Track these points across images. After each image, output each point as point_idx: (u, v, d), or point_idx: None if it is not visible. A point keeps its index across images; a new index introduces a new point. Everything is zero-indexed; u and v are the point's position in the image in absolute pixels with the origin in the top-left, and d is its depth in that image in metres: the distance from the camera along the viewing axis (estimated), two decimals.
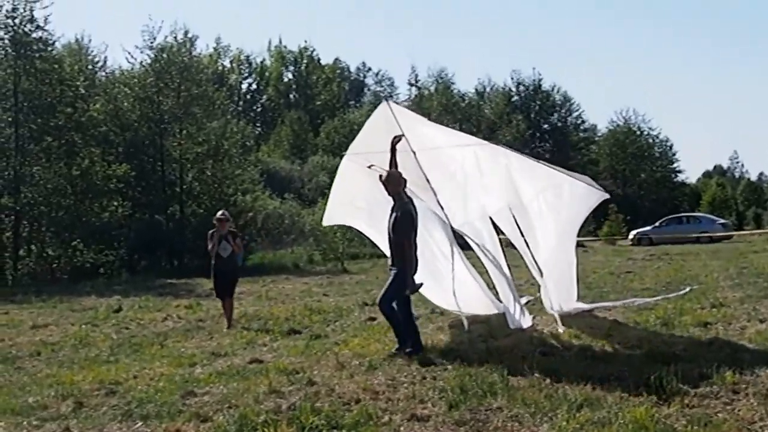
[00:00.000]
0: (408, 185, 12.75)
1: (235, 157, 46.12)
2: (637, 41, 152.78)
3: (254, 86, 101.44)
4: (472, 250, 14.92)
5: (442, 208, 12.91)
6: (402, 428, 8.52)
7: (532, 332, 13.91)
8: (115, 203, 41.85)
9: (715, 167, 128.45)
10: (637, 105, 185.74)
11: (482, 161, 14.38)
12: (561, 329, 13.66)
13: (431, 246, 14.70)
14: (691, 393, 9.17)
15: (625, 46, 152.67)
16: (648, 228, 57.66)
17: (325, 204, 17.31)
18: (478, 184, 14.50)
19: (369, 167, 13.72)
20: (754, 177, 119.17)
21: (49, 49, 42.51)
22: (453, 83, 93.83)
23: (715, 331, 13.42)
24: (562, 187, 14.08)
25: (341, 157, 15.54)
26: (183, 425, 8.85)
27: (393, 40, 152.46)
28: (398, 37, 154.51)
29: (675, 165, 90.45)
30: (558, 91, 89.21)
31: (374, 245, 17.18)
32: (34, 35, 40.63)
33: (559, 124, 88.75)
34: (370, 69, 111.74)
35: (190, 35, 51.01)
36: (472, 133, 74.70)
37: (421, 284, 12.49)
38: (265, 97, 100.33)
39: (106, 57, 77.60)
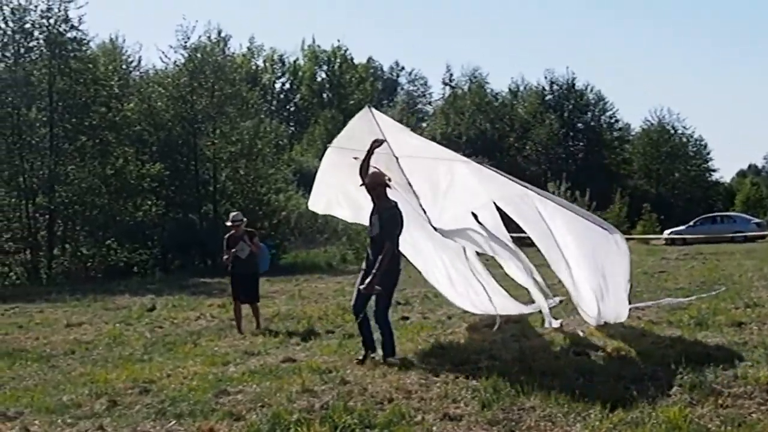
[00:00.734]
0: (393, 187, 12.56)
1: (269, 156, 46.21)
2: (672, 40, 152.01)
3: (287, 85, 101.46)
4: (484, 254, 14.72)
5: (424, 211, 12.60)
6: (434, 427, 8.51)
7: (566, 332, 13.88)
8: (149, 202, 42.13)
9: (749, 166, 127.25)
10: (671, 104, 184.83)
11: (469, 177, 14.20)
12: (581, 332, 13.55)
13: (448, 252, 14.66)
14: (724, 393, 9.10)
15: (660, 45, 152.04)
16: (682, 227, 57.32)
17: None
18: (465, 195, 14.27)
19: (354, 159, 13.42)
20: None
21: (84, 48, 42.76)
22: (487, 82, 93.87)
23: (750, 331, 13.30)
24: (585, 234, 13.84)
25: (326, 148, 15.14)
26: (216, 424, 8.87)
27: (426, 40, 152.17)
28: (432, 36, 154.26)
29: (709, 164, 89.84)
30: (591, 90, 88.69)
31: None
32: (68, 35, 40.90)
33: (593, 123, 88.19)
34: (403, 68, 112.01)
35: (223, 35, 51.43)
36: (505, 133, 74.42)
37: (380, 290, 12.07)
38: (298, 96, 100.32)
39: (140, 57, 77.77)
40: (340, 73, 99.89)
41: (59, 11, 40.34)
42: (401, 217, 12.18)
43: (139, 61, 69.85)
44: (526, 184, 14.31)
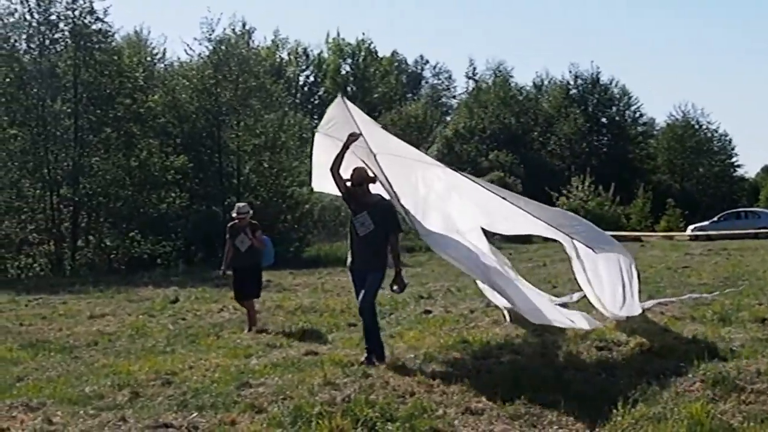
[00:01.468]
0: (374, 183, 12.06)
1: (293, 149, 46.13)
2: (697, 34, 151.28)
3: (312, 78, 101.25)
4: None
5: (407, 212, 12.32)
6: (456, 421, 8.52)
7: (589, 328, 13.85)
8: (173, 194, 42.21)
9: None
10: (696, 98, 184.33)
11: (445, 180, 13.94)
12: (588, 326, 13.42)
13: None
14: (747, 389, 9.09)
15: (685, 39, 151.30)
16: (706, 223, 57.17)
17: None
18: (443, 200, 14.01)
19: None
20: None
21: (109, 40, 42.88)
22: (511, 76, 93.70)
23: None
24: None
25: (313, 133, 14.75)
26: (238, 416, 8.91)
27: (451, 33, 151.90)
28: (456, 30, 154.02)
29: (734, 159, 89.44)
30: (616, 85, 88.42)
31: None
32: (93, 27, 40.97)
33: (617, 118, 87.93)
34: (427, 62, 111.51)
35: (248, 27, 51.38)
36: (529, 127, 74.15)
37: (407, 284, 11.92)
38: (322, 89, 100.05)
39: (165, 49, 78.00)
40: (364, 67, 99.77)
41: (84, 3, 40.48)
42: (394, 207, 11.96)
43: (164, 54, 70.18)
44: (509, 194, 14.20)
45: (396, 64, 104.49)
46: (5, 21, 40.29)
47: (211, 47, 46.53)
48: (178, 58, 63.51)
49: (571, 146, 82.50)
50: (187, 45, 74.60)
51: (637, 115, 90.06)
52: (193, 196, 44.08)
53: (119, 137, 41.24)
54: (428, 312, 16.94)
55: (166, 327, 17.18)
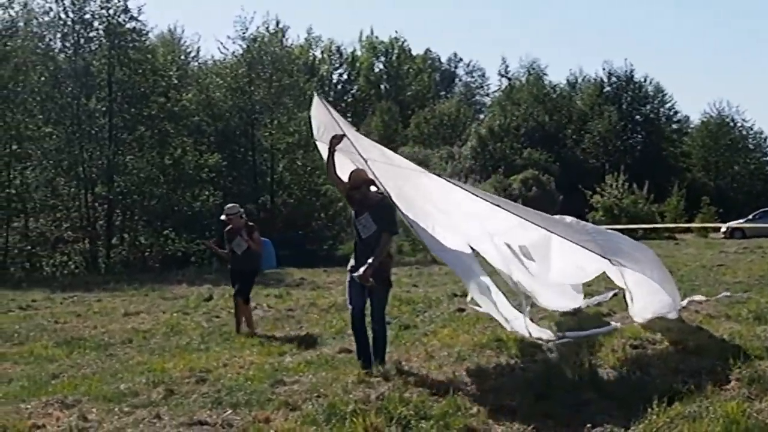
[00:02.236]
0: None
1: None
2: (731, 31, 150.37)
3: (345, 77, 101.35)
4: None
5: (412, 224, 12.09)
6: (490, 420, 8.50)
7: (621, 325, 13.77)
8: (207, 192, 42.44)
9: None
10: (730, 96, 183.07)
11: (434, 186, 13.60)
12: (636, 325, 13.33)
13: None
14: None
15: (719, 36, 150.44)
16: (741, 220, 56.72)
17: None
18: (431, 207, 13.71)
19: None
20: None
21: (143, 39, 43.37)
22: (545, 74, 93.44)
23: None
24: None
25: (314, 143, 14.47)
26: (272, 413, 8.91)
27: (484, 31, 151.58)
28: (490, 28, 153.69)
29: None
30: (650, 82, 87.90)
31: None
32: (127, 26, 41.36)
33: (652, 116, 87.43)
34: (461, 60, 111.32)
35: (281, 26, 51.42)
36: (563, 125, 73.80)
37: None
38: (355, 87, 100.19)
39: (198, 47, 78.68)
40: (397, 65, 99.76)
41: (119, 2, 41.01)
42: (394, 207, 11.56)
43: (198, 52, 70.47)
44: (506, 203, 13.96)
45: (429, 62, 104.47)
46: (40, 20, 40.78)
47: (244, 45, 46.91)
48: (212, 57, 63.86)
49: (605, 144, 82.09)
50: (221, 43, 75.42)
51: (672, 112, 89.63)
52: (227, 194, 44.10)
53: (153, 135, 41.57)
54: (462, 310, 16.85)
55: (200, 325, 17.27)
